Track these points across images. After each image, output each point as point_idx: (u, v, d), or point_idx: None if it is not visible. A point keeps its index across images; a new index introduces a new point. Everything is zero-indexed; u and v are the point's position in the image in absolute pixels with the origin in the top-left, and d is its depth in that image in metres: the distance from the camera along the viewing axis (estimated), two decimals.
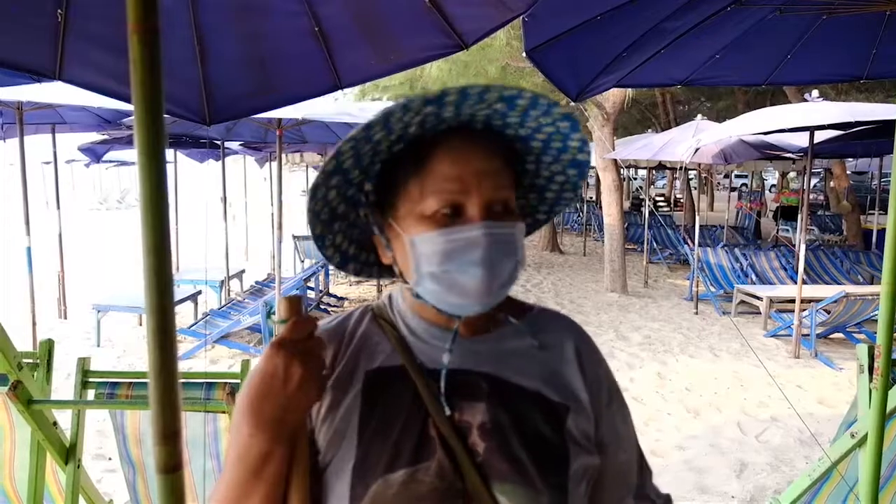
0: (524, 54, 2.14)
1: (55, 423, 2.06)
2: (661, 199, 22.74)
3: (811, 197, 10.63)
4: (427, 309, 0.86)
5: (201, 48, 1.69)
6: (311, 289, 8.13)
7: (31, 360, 2.11)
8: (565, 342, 0.92)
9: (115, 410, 2.14)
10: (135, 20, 0.80)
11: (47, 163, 15.02)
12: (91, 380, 2.11)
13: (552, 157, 0.87)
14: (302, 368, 0.72)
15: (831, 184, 14.38)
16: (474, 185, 0.78)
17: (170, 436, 0.84)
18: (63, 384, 4.89)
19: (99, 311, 6.44)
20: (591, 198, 20.00)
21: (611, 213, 9.18)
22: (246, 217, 12.23)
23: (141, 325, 6.95)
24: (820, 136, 7.21)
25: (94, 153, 10.15)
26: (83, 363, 2.11)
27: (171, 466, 0.89)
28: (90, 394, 2.11)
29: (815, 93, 8.24)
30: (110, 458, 3.93)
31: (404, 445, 0.79)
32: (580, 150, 0.85)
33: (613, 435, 0.91)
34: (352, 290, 9.26)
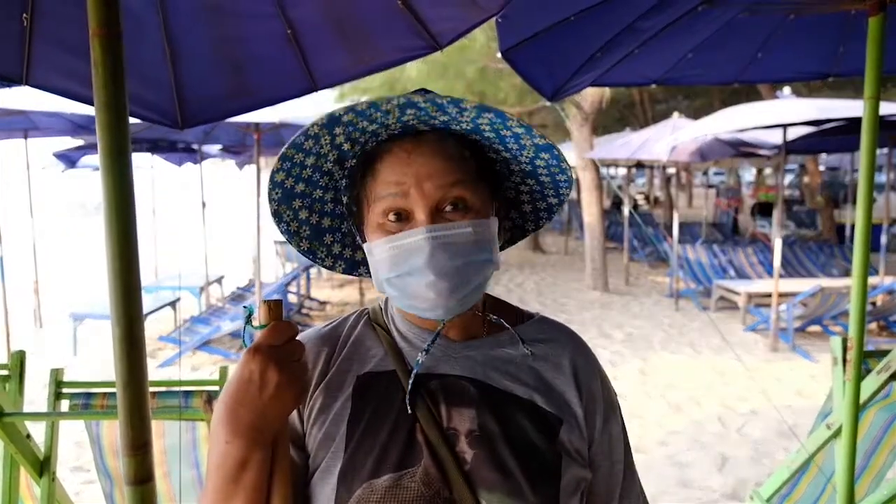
0: (499, 55, 2.15)
1: (28, 436, 2.01)
2: (641, 196, 22.95)
3: (787, 193, 10.78)
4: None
5: (172, 51, 1.67)
6: (294, 293, 8.07)
7: (3, 372, 2.06)
8: (562, 354, 0.89)
9: (90, 421, 2.10)
10: (96, 24, 0.79)
11: None
12: (65, 390, 2.07)
13: (514, 143, 0.83)
14: (279, 374, 0.71)
15: (805, 179, 14.62)
16: (415, 188, 0.78)
17: (140, 447, 0.83)
18: (40, 395, 4.80)
19: (76, 320, 6.32)
20: (571, 197, 20.10)
21: (591, 212, 9.24)
22: (227, 221, 12.11)
23: None
24: (793, 132, 7.32)
25: (69, 159, 10.00)
26: (56, 374, 2.07)
27: (142, 478, 0.87)
28: (64, 405, 2.07)
29: (788, 90, 8.38)
30: (89, 470, 3.87)
31: (391, 450, 0.78)
32: (528, 134, 0.79)
33: (606, 454, 0.89)
34: (334, 294, 9.21)
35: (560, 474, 0.80)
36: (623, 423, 0.94)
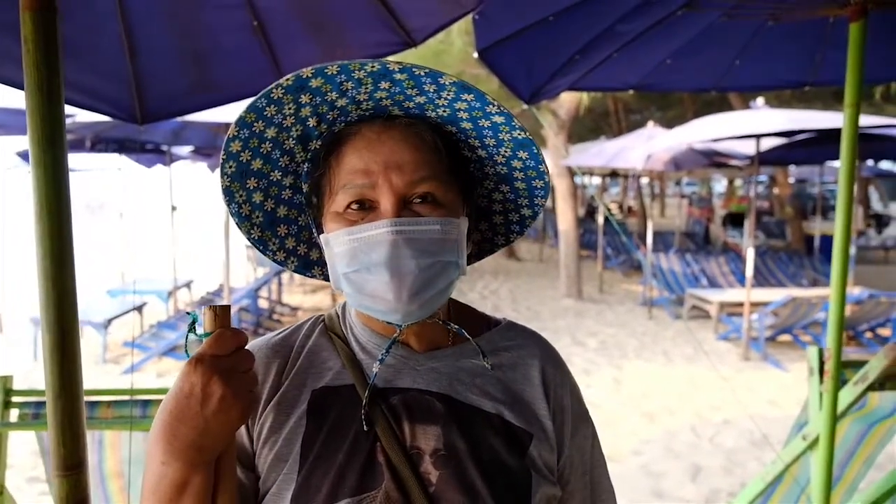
0: (475, 55, 2.09)
1: None
2: (615, 205, 23.20)
3: (757, 203, 10.96)
4: (373, 318, 0.79)
5: (130, 41, 1.57)
6: (265, 298, 7.93)
7: None
8: (531, 362, 0.85)
9: (41, 432, 1.98)
10: None
11: None
12: (14, 399, 1.95)
13: (492, 138, 0.79)
14: (223, 387, 0.64)
15: (775, 190, 14.90)
16: (382, 178, 0.73)
17: (72, 467, 0.74)
18: None
19: (37, 324, 6.11)
20: (547, 205, 20.20)
21: (566, 219, 9.27)
22: (198, 225, 11.87)
23: (83, 336, 6.62)
24: (766, 143, 7.43)
25: None
26: (5, 381, 1.95)
27: (75, 502, 0.79)
28: (13, 414, 1.95)
29: (761, 101, 8.51)
30: (46, 481, 3.70)
31: (349, 472, 0.72)
32: (508, 125, 0.76)
33: (575, 467, 0.85)
34: (306, 300, 9.07)
35: (531, 494, 0.76)
36: (595, 435, 0.90)
